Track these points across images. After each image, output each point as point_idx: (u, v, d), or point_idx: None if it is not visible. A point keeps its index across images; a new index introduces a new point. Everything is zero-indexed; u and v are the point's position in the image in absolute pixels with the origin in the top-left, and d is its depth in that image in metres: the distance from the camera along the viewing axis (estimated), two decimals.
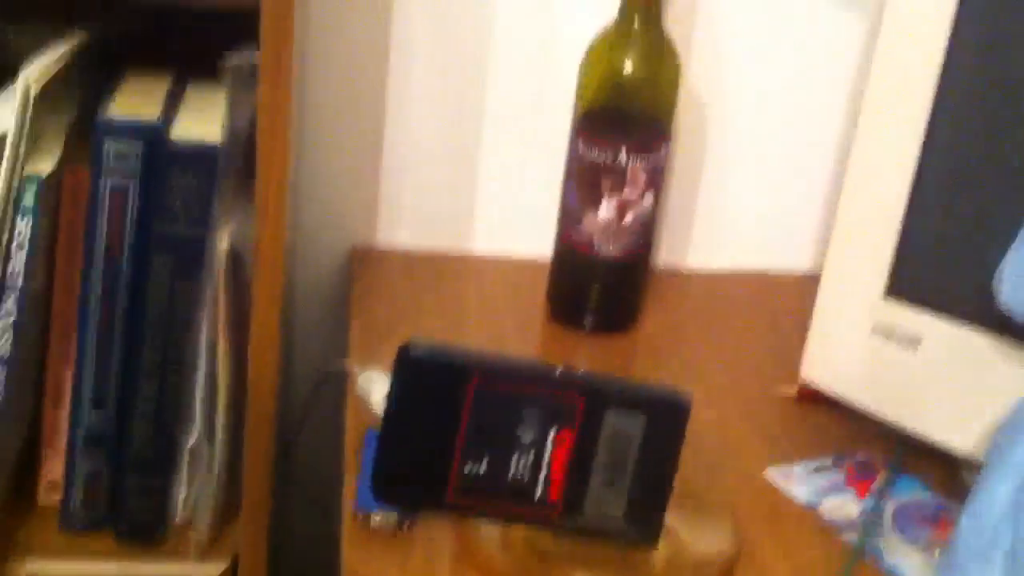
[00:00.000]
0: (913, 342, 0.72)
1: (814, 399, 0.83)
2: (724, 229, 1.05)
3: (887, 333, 0.73)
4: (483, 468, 0.60)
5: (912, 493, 0.72)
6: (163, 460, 0.68)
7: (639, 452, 0.61)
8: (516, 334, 0.90)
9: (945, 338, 0.71)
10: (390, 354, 0.59)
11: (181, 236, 0.64)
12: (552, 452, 0.60)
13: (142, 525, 0.70)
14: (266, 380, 0.68)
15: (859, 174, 0.75)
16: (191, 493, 0.69)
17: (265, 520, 0.72)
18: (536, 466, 0.61)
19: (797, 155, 1.04)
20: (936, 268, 0.72)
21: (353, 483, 0.66)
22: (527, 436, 0.60)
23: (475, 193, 1.02)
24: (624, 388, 0.62)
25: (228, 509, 0.73)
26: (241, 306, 0.67)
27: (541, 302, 0.94)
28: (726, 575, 0.62)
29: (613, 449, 0.61)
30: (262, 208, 0.64)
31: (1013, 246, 0.64)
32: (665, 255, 1.06)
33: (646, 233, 0.89)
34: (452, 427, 0.60)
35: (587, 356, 0.88)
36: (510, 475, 0.61)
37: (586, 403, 0.60)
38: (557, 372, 0.62)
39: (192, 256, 0.65)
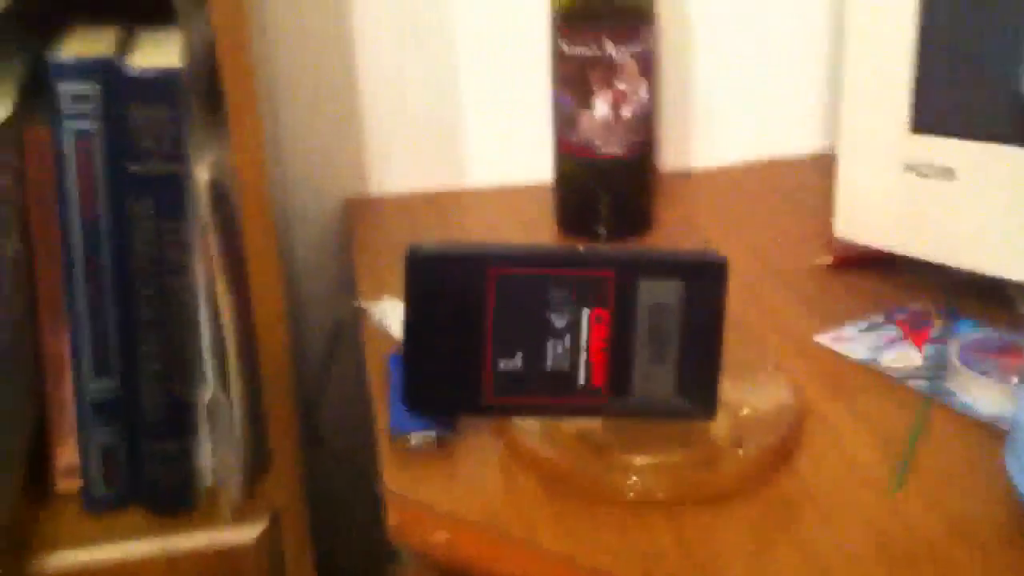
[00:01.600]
0: (947, 173, 0.67)
1: (850, 264, 0.79)
2: (724, 123, 1.01)
3: (919, 169, 0.68)
4: (518, 362, 0.56)
5: (973, 334, 0.68)
6: (179, 421, 0.64)
7: (681, 321, 0.56)
8: None
9: (979, 162, 0.66)
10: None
11: (157, 174, 0.60)
12: (589, 334, 0.56)
13: (169, 494, 0.65)
14: (274, 318, 0.64)
15: (861, 11, 0.70)
16: (215, 453, 0.65)
17: (299, 472, 0.68)
18: (574, 351, 0.56)
19: (786, 36, 0.99)
20: (958, 93, 0.67)
21: (384, 409, 0.62)
22: (560, 321, 0.56)
23: (462, 124, 0.97)
24: (655, 256, 0.58)
25: (257, 467, 0.68)
26: (234, 243, 0.63)
27: (549, 222, 0.90)
28: (795, 430, 0.57)
29: (653, 322, 0.56)
30: (236, 130, 0.60)
31: None
32: (669, 159, 1.01)
33: (647, 126, 0.84)
34: (478, 324, 0.56)
35: None
36: (548, 365, 0.56)
37: (617, 277, 0.56)
38: (582, 248, 0.57)
39: (173, 195, 0.60)
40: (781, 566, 0.50)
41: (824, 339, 0.70)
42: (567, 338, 0.56)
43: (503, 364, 0.56)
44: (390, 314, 0.69)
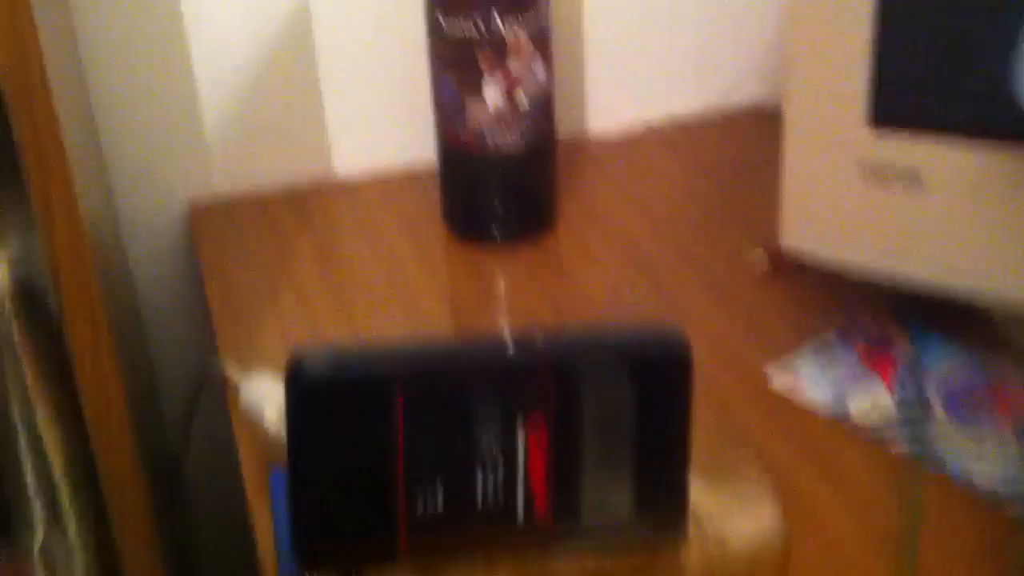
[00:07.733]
0: (911, 177, 0.57)
1: (791, 266, 0.69)
2: (620, 81, 0.88)
3: (877, 172, 0.58)
4: (440, 498, 0.44)
5: (948, 359, 0.59)
6: None
7: (637, 424, 0.45)
8: (416, 263, 0.73)
9: (950, 164, 0.56)
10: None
11: None
12: (526, 452, 0.45)
13: None
14: (118, 440, 0.50)
15: None
16: None
17: None
18: (510, 477, 0.45)
19: None
20: (924, 85, 0.56)
21: (269, 544, 0.50)
22: (488, 438, 0.44)
23: (322, 108, 0.82)
24: (600, 346, 0.46)
25: None
26: (55, 352, 0.49)
27: (433, 217, 0.77)
28: (784, 555, 0.47)
29: (604, 428, 0.45)
30: (42, 204, 0.45)
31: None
32: (560, 126, 0.89)
33: (546, 113, 0.71)
34: (386, 456, 0.43)
35: (507, 273, 0.71)
36: (479, 497, 0.45)
37: (556, 377, 0.44)
38: (509, 350, 0.45)
39: None
40: None
41: (778, 376, 0.60)
42: (499, 460, 0.44)
43: (420, 502, 0.44)
44: (265, 400, 0.55)
